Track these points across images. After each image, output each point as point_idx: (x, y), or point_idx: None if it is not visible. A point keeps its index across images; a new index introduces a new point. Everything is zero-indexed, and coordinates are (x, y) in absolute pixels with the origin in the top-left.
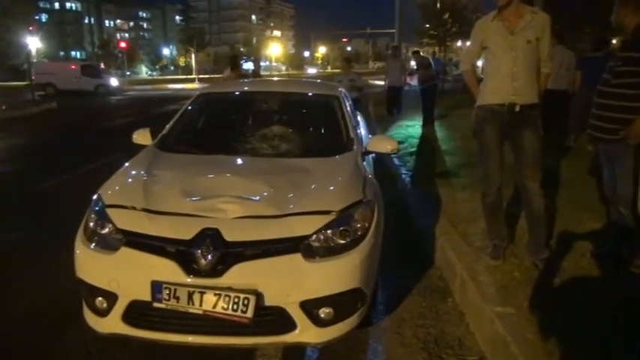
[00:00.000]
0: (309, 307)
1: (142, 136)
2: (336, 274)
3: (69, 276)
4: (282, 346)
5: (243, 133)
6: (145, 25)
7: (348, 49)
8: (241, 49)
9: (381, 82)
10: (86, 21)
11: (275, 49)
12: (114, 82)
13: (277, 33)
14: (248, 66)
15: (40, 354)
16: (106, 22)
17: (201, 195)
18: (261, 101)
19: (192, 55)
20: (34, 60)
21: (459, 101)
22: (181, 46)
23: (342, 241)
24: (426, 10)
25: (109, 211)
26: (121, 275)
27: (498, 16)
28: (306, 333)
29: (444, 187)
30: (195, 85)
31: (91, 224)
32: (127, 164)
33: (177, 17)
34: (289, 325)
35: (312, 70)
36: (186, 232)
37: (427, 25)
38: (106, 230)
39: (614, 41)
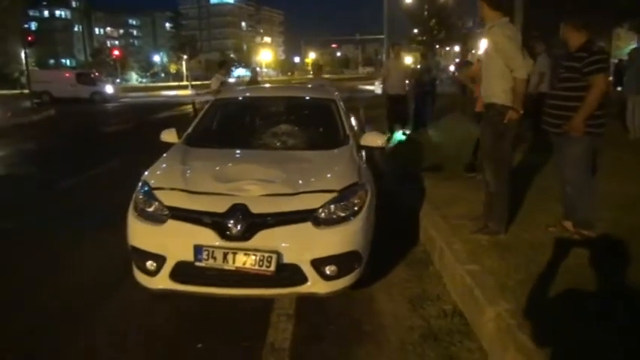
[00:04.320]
0: (318, 265)
1: (168, 135)
2: (338, 239)
3: (104, 254)
4: (295, 300)
5: (258, 131)
6: (134, 33)
7: (338, 54)
8: (232, 56)
9: (371, 87)
10: (76, 29)
11: (265, 55)
12: (109, 89)
13: (267, 39)
14: (238, 72)
15: (96, 307)
16: (96, 29)
17: (230, 179)
18: (270, 105)
19: (184, 62)
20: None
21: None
22: (172, 53)
23: (343, 214)
24: (413, 17)
25: (155, 192)
26: (169, 241)
27: None
28: (315, 285)
29: (428, 178)
30: (188, 92)
31: (140, 203)
32: (163, 157)
33: (167, 24)
34: (303, 278)
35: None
36: (220, 207)
37: (415, 31)
38: (153, 208)
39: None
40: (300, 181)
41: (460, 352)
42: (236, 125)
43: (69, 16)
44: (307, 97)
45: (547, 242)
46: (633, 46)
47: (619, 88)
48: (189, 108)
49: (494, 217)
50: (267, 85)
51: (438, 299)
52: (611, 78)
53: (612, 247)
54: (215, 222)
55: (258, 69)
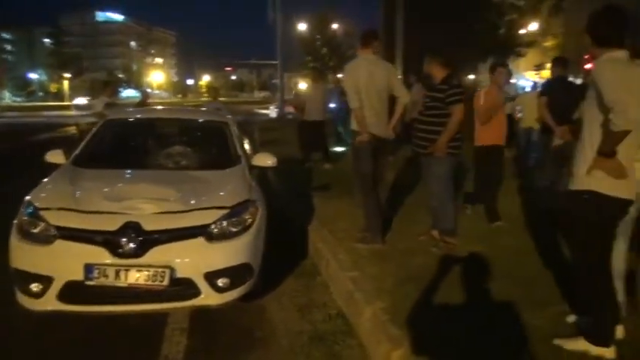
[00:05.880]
0: (211, 278)
1: (54, 157)
2: (229, 252)
3: None
4: (189, 314)
5: (150, 151)
6: (8, 48)
7: (233, 77)
8: (120, 76)
9: (266, 111)
10: None
11: (157, 76)
12: None
13: (159, 60)
14: (128, 93)
15: None
16: None
17: (122, 198)
18: (163, 126)
19: (66, 81)
20: None
21: None
22: (52, 71)
23: (234, 229)
24: (306, 45)
25: (41, 212)
26: (57, 262)
27: None
28: (208, 298)
29: (318, 197)
30: (72, 113)
31: (25, 225)
32: (49, 177)
33: (47, 40)
34: (196, 292)
35: (80, 101)
36: (112, 225)
37: (308, 58)
38: (38, 228)
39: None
40: (193, 199)
41: (342, 350)
42: (128, 146)
43: None
44: (200, 120)
45: (417, 250)
46: None
47: None
48: (72, 129)
49: (371, 229)
50: (159, 107)
51: (324, 305)
52: None
53: (471, 253)
54: (107, 240)
55: (148, 90)
